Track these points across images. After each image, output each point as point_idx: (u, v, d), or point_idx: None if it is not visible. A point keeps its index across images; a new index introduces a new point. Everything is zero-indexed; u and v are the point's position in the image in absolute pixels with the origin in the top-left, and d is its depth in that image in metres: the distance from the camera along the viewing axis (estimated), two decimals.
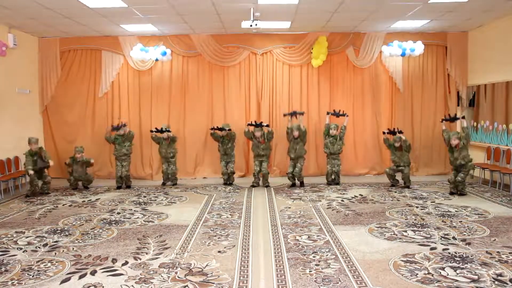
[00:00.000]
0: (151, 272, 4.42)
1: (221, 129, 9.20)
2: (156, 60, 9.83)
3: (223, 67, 10.35)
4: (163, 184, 9.47)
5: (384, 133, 9.13)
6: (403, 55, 9.58)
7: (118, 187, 9.13)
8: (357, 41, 10.18)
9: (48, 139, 10.36)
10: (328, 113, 9.46)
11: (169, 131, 9.27)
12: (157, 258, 4.84)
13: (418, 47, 9.49)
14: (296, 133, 8.87)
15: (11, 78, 9.19)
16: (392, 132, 8.93)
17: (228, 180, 9.39)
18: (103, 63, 10.29)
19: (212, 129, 9.34)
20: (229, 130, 9.24)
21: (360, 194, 8.21)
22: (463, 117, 8.84)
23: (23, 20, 8.37)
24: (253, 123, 9.13)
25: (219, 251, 5.04)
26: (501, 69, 8.95)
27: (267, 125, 9.23)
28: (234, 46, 10.28)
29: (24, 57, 9.71)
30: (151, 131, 9.36)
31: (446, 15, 8.50)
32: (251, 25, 7.77)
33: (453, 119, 8.82)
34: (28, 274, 4.41)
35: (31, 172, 8.19)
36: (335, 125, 9.15)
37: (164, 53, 9.63)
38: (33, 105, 10.14)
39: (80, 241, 5.51)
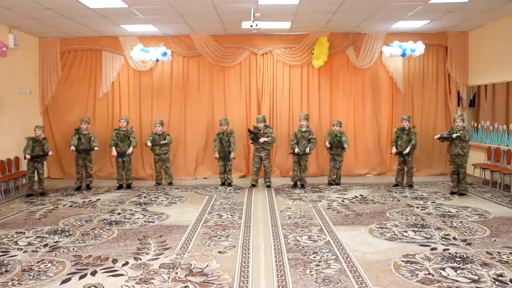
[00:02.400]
0: (152, 272, 4.42)
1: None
2: (157, 60, 9.83)
3: (223, 67, 10.35)
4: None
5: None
6: (403, 55, 9.57)
7: (119, 187, 9.13)
8: (357, 41, 10.17)
9: (49, 139, 10.15)
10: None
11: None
12: (157, 258, 4.84)
13: (419, 48, 9.48)
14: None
15: (11, 78, 9.20)
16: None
17: (227, 180, 9.34)
18: (104, 63, 10.30)
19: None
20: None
21: (360, 195, 8.21)
22: (458, 136, 7.93)
23: (23, 20, 8.38)
24: (253, 131, 8.94)
25: (219, 252, 5.04)
26: (502, 69, 8.95)
27: (267, 136, 9.06)
28: (234, 47, 10.28)
29: (25, 58, 9.72)
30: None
31: (446, 16, 8.50)
32: (251, 26, 7.75)
33: (448, 138, 7.96)
34: (28, 274, 4.41)
35: (28, 156, 8.20)
36: (337, 122, 9.14)
37: (165, 54, 9.63)
38: (34, 106, 10.15)
39: (81, 241, 5.51)
